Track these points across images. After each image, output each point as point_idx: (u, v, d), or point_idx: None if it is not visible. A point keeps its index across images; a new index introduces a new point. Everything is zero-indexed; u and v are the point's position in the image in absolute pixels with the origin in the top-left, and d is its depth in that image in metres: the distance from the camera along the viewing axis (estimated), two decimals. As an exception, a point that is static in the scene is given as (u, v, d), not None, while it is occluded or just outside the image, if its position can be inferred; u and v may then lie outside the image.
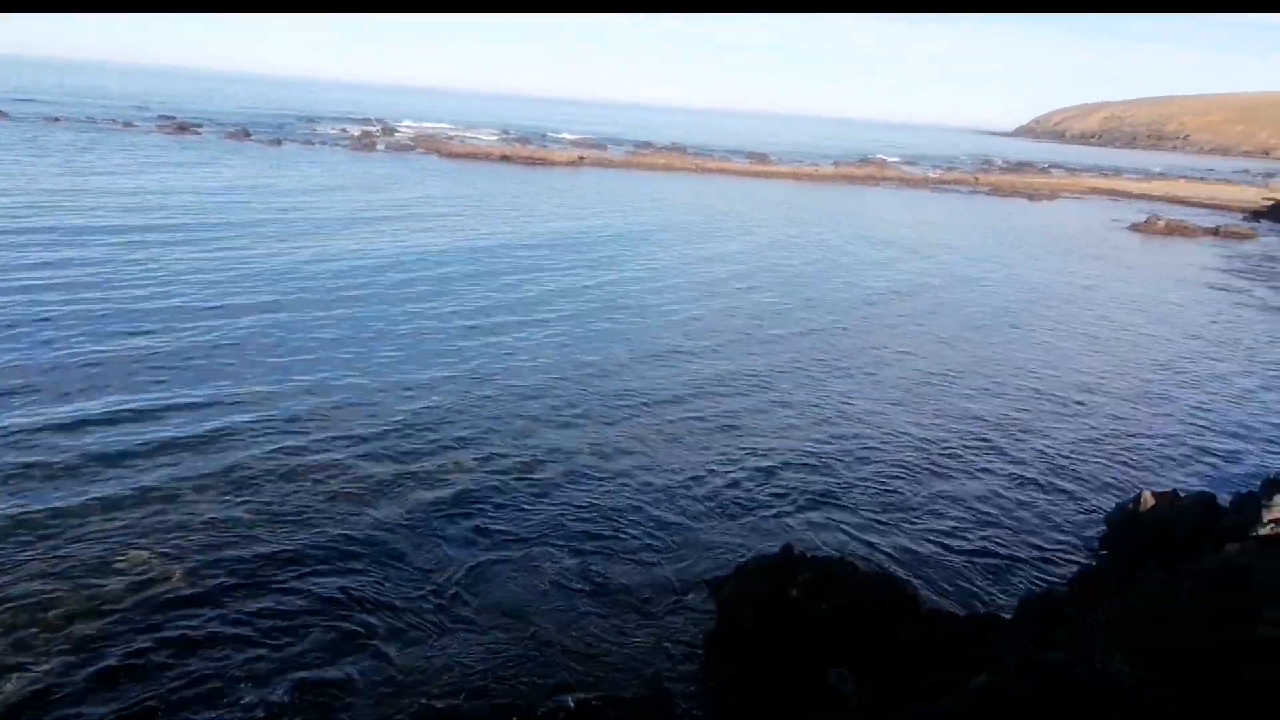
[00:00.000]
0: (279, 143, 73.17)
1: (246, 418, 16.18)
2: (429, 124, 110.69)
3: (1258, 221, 65.52)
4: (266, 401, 17.04)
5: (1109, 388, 22.63)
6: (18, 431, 14.79)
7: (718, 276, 33.34)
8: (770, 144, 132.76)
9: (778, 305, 29.30)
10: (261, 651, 9.97)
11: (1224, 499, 9.93)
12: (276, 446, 15.10)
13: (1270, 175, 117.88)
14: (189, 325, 21.29)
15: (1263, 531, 7.09)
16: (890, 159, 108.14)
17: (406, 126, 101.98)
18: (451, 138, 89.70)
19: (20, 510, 12.38)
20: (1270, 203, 71.08)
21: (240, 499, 13.26)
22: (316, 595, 11.10)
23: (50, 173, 44.06)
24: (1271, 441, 19.42)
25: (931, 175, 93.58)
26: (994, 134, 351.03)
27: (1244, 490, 9.40)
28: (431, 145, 78.92)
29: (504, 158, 75.40)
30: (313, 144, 75.27)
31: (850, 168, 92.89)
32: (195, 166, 51.22)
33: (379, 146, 77.16)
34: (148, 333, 20.49)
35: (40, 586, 10.73)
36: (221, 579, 11.22)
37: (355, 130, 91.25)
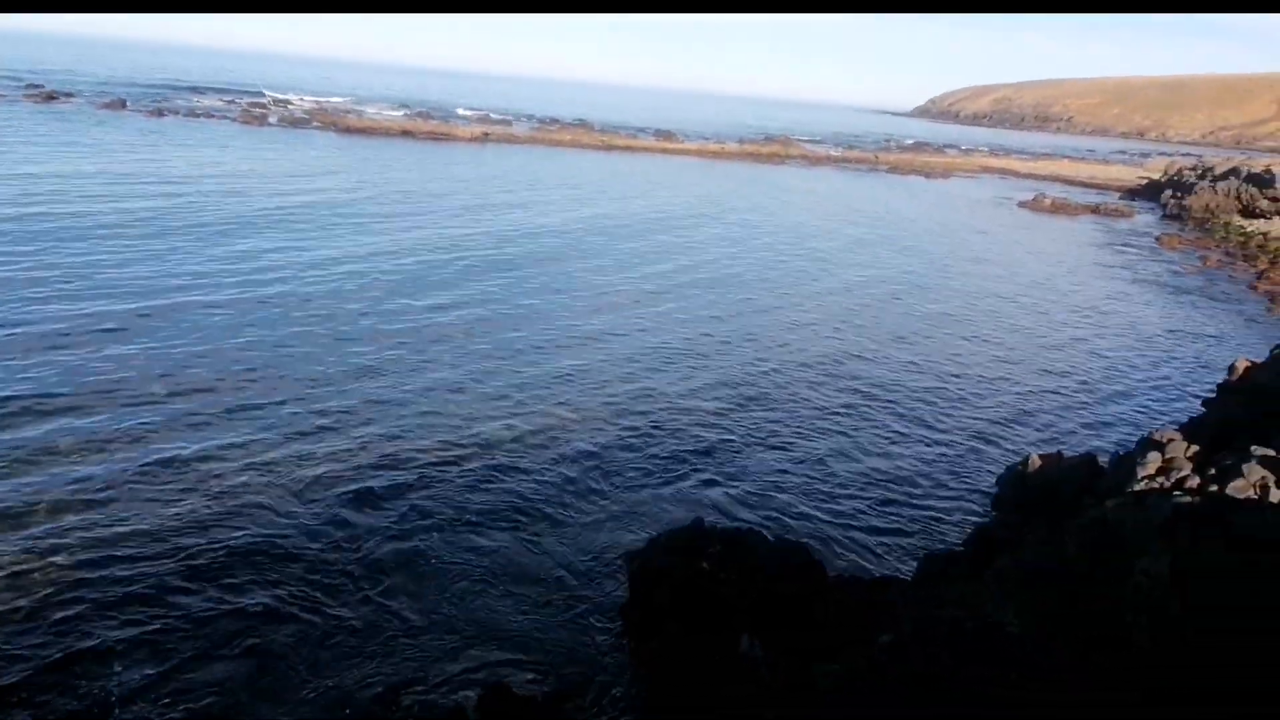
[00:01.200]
0: (160, 114, 68.93)
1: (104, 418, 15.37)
2: (323, 97, 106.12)
3: (1133, 200, 69.53)
4: (137, 400, 16.22)
5: (998, 358, 23.72)
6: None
7: (630, 259, 33.32)
8: (678, 121, 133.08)
9: (684, 286, 29.51)
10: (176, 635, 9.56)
11: (1105, 459, 10.57)
12: (153, 445, 14.41)
13: (1145, 156, 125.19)
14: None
15: (1138, 487, 7.57)
16: (795, 137, 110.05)
17: (300, 99, 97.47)
18: (349, 112, 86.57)
19: None
20: (1144, 182, 75.52)
21: (111, 505, 12.61)
22: (230, 597, 10.68)
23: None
24: (1148, 404, 20.75)
25: (834, 154, 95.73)
26: (894, 114, 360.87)
27: (1122, 450, 10.02)
28: (328, 120, 75.97)
29: (406, 133, 73.31)
30: (197, 116, 71.23)
31: (756, 146, 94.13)
32: (65, 145, 47.70)
33: (271, 120, 73.75)
34: None
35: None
36: (109, 583, 10.68)
37: (243, 102, 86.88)
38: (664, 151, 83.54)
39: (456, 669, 9.82)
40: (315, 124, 73.80)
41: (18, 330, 18.13)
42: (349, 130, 71.66)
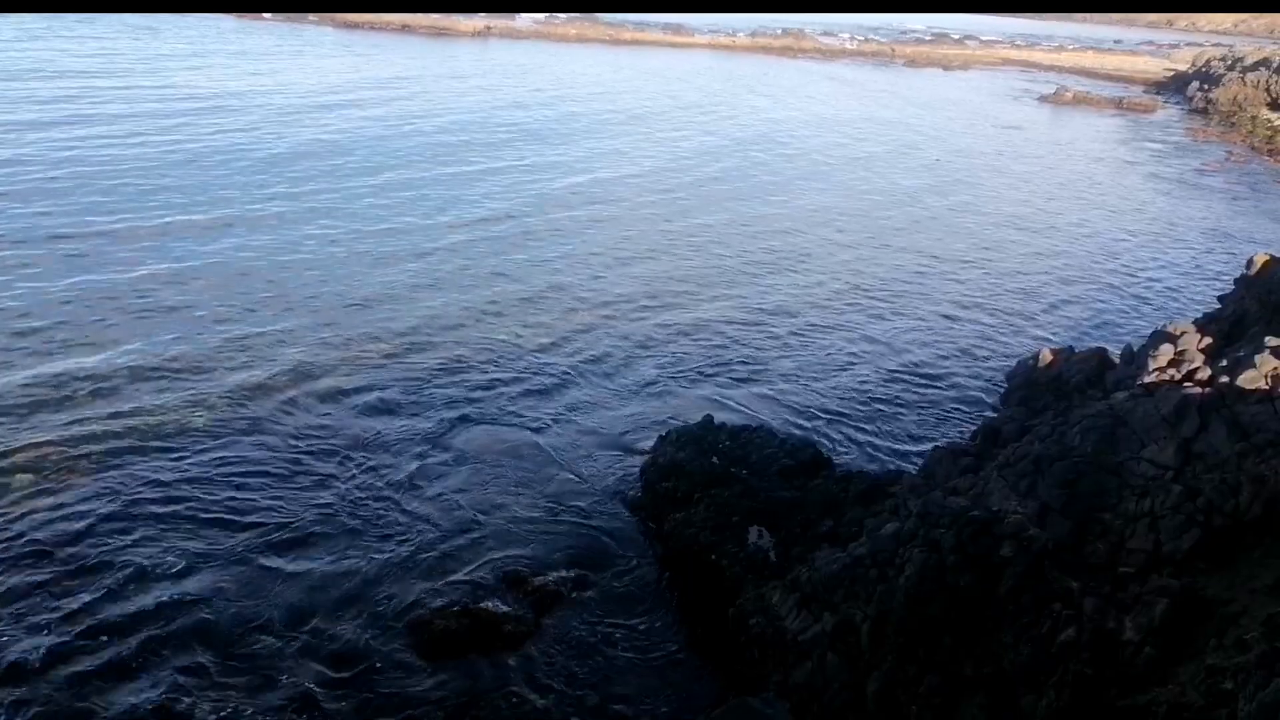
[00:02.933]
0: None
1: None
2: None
3: (1159, 93, 67.21)
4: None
5: (1015, 256, 23.43)
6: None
7: (645, 162, 32.65)
8: (684, 14, 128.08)
9: (696, 188, 28.98)
10: (221, 535, 9.90)
11: (1116, 352, 10.55)
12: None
13: (1174, 46, 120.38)
14: None
15: (1148, 379, 7.59)
16: (809, 30, 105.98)
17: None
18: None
19: None
20: (1171, 74, 72.79)
21: (129, 408, 12.82)
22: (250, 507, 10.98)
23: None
24: (1166, 299, 20.57)
25: (849, 47, 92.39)
26: None
27: (1135, 344, 10.00)
28: (324, 16, 73.43)
29: (405, 27, 70.93)
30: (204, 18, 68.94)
31: (769, 39, 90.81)
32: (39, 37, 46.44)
33: (266, 16, 71.31)
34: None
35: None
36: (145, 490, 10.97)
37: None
38: (673, 45, 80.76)
39: (479, 560, 10.16)
40: (312, 19, 71.40)
41: None
42: (347, 25, 69.39)
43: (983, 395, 15.03)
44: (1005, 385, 13.05)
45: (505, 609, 9.31)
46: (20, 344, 13.69)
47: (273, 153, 26.54)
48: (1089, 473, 6.85)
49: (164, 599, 8.99)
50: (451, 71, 48.08)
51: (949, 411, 14.51)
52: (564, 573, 10.10)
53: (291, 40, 56.54)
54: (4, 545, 9.50)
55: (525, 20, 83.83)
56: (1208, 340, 8.03)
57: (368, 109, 34.67)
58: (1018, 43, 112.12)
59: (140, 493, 10.57)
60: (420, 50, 58.22)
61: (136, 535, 9.88)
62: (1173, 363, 7.80)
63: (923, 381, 15.49)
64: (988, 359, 16.60)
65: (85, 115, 28.52)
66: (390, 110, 35.09)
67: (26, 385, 12.50)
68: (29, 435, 11.37)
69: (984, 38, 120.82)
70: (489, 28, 75.75)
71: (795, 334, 17.09)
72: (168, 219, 19.91)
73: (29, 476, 10.62)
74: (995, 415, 12.61)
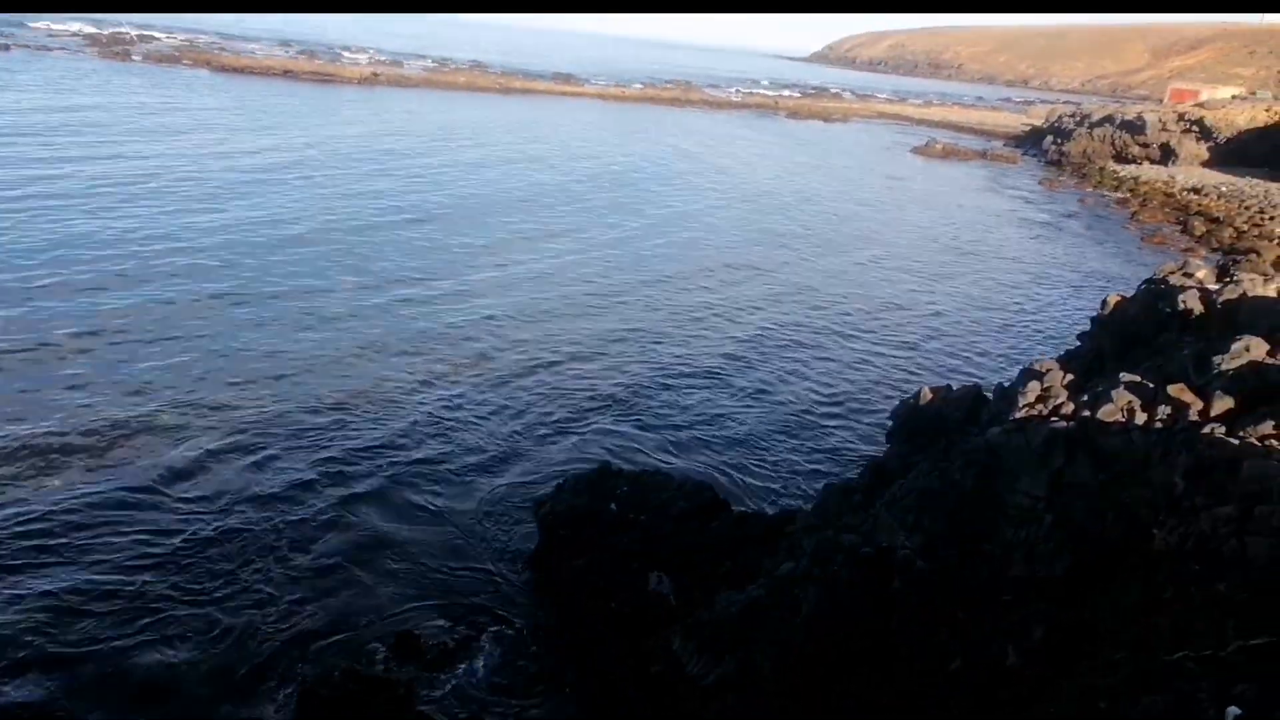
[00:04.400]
0: (6, 48, 63.09)
1: None
2: (191, 33, 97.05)
3: (1018, 146, 72.34)
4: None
5: (892, 300, 24.55)
6: None
7: (532, 205, 32.76)
8: (575, 64, 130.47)
9: (579, 233, 29.28)
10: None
11: (990, 390, 11.12)
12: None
13: (1029, 103, 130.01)
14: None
15: (1019, 415, 8.01)
16: (694, 82, 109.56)
17: (166, 36, 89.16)
18: (223, 49, 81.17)
19: None
20: (1029, 128, 78.59)
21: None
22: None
23: None
24: (1031, 338, 21.91)
25: (734, 99, 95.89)
26: (792, 59, 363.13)
27: (1006, 381, 10.58)
28: (200, 57, 71.07)
29: (288, 72, 69.40)
30: (50, 50, 65.56)
31: (657, 90, 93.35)
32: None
33: (134, 56, 68.43)
34: None
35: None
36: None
37: (103, 34, 79.75)
38: (563, 94, 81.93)
39: (367, 619, 9.73)
40: (186, 61, 69.00)
41: None
42: (224, 69, 67.31)
43: (872, 433, 15.55)
44: (890, 422, 13.57)
45: (396, 670, 8.92)
46: None
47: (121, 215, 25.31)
48: (970, 505, 7.15)
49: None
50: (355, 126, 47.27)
51: (840, 450, 14.95)
52: (460, 629, 9.79)
53: (166, 84, 54.23)
54: None
55: (415, 67, 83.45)
56: (1070, 376, 8.56)
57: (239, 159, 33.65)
58: (890, 98, 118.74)
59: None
60: (305, 98, 56.85)
61: None
62: (1040, 398, 8.25)
63: (815, 422, 15.93)
64: (874, 398, 17.24)
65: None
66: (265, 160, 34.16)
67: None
68: None
69: (859, 92, 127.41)
70: (376, 75, 75.01)
71: (688, 381, 17.32)
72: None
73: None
74: (882, 453, 13.07)
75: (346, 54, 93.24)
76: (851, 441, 15.33)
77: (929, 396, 10.75)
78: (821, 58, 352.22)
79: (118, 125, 37.01)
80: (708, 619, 8.65)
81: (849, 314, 22.62)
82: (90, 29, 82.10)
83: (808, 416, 16.11)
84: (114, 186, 26.42)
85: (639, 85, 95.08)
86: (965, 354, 20.37)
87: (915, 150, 63.92)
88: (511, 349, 17.77)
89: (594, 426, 14.90)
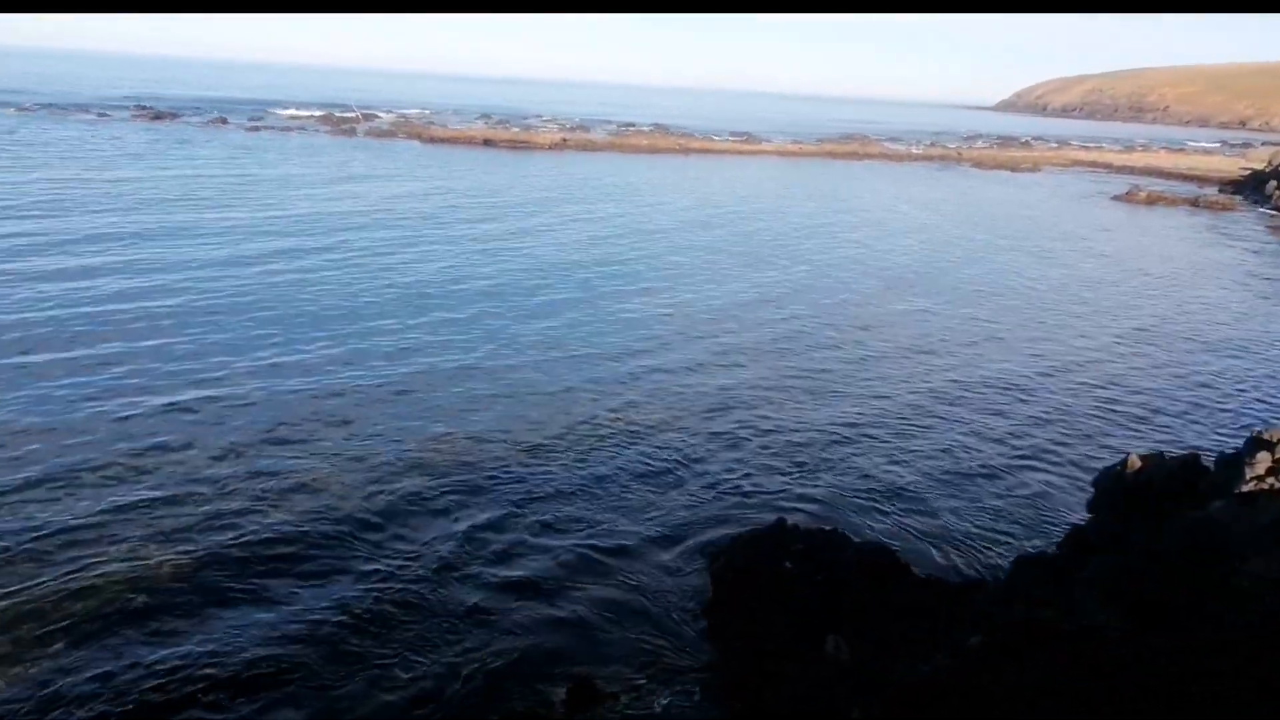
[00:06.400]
0: (257, 129, 72.38)
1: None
2: (404, 109, 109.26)
3: (1235, 192, 65.98)
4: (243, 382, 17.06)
5: (1097, 358, 22.87)
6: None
7: (724, 259, 33.36)
8: (753, 121, 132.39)
9: (771, 287, 29.38)
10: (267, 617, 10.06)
11: (1209, 459, 10.12)
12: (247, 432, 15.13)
13: (1247, 145, 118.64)
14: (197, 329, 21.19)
15: (1245, 488, 7.26)
16: (873, 136, 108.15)
17: (384, 113, 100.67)
18: (433, 123, 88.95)
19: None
20: (1248, 173, 71.51)
21: (204, 491, 13.30)
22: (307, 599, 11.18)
23: (57, 167, 43.21)
24: (1257, 405, 19.72)
25: (915, 151, 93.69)
26: (977, 109, 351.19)
27: (1229, 450, 9.59)
28: (412, 131, 78.27)
29: (487, 142, 74.90)
30: (290, 130, 74.44)
31: (834, 144, 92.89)
32: (192, 158, 50.47)
33: (359, 132, 76.46)
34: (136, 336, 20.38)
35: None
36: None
37: (336, 115, 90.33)
38: (741, 152, 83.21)
39: (543, 663, 10.03)
40: (401, 135, 76.11)
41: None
42: (433, 140, 73.64)
43: (1067, 500, 14.48)
44: (1092, 491, 12.59)
45: (573, 717, 9.13)
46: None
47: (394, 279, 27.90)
48: (1187, 587, 6.53)
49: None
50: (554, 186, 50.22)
51: (1032, 517, 14.01)
52: (634, 678, 9.89)
53: (387, 155, 59.95)
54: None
55: (600, 132, 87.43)
56: (1308, 447, 7.69)
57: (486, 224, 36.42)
58: (1086, 144, 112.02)
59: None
60: (504, 164, 61.00)
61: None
62: (1272, 470, 7.46)
63: (1001, 488, 15.04)
64: (1071, 462, 16.06)
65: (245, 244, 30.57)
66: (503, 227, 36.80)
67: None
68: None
69: (1051, 139, 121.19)
70: (564, 140, 79.34)
71: (869, 436, 16.86)
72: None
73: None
74: (1082, 523, 12.13)
75: (537, 121, 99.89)
76: (1043, 509, 14.33)
77: (1138, 464, 9.94)
78: (1009, 106, 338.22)
79: (379, 189, 41.30)
80: (890, 691, 8.30)
81: (1043, 372, 21.28)
82: (322, 112, 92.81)
83: (994, 480, 15.23)
84: (393, 243, 29.39)
85: (814, 142, 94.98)
86: (1177, 420, 18.61)
87: (1116, 198, 59.79)
88: (690, 396, 18.01)
89: (770, 478, 14.77)
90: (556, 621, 10.74)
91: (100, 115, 74.00)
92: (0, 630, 9.70)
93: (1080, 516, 13.53)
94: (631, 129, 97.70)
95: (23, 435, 14.24)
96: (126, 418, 15.25)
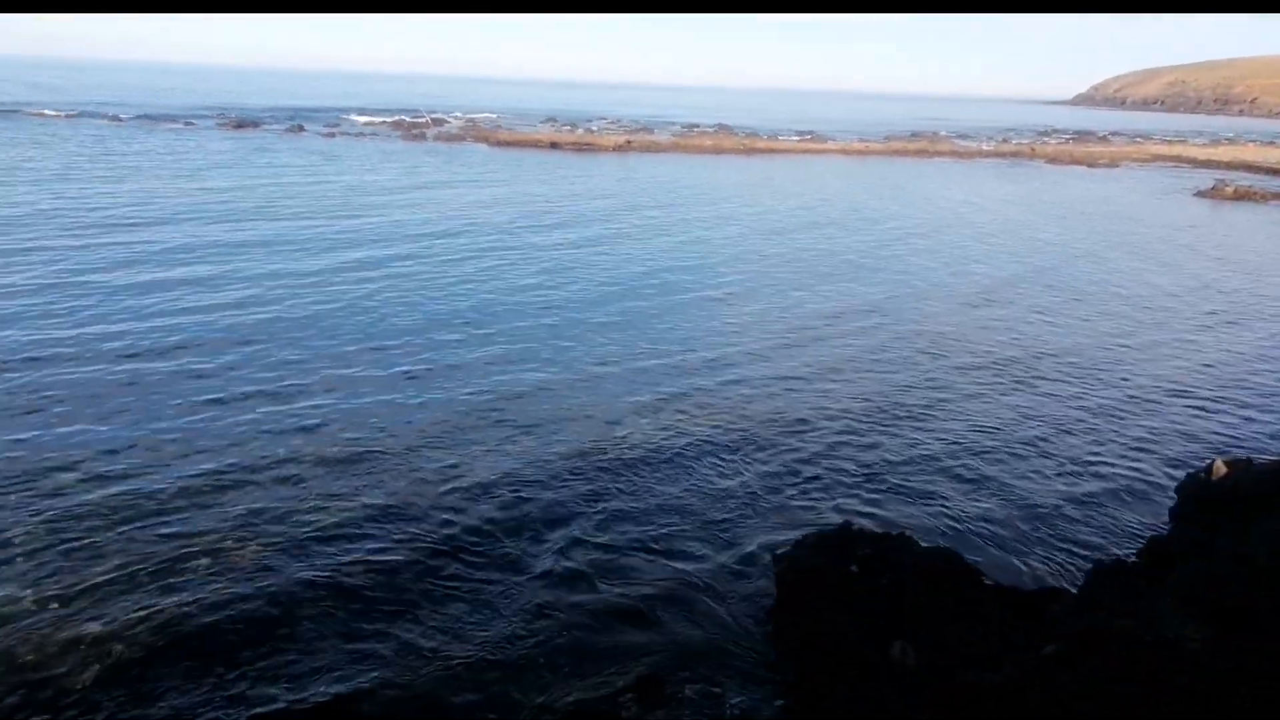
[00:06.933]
0: (333, 135, 74.63)
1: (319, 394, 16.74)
2: (472, 114, 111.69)
3: (1334, 185, 62.63)
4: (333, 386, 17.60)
5: (1180, 363, 22.03)
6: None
7: (799, 264, 33.19)
8: (816, 121, 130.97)
9: (837, 288, 29.08)
10: (361, 605, 10.41)
11: (1299, 467, 9.73)
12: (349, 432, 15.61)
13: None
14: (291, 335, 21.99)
15: (1340, 496, 6.95)
16: (942, 133, 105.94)
17: (453, 117, 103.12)
18: (500, 126, 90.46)
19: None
20: (1347, 165, 67.87)
21: (302, 477, 13.77)
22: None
23: (162, 175, 45.37)
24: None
25: (986, 148, 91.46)
26: (1051, 103, 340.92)
27: (1320, 458, 9.18)
28: (480, 134, 79.70)
29: (553, 144, 75.76)
30: (364, 136, 76.54)
31: (903, 142, 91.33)
32: (288, 164, 52.39)
33: (429, 137, 78.19)
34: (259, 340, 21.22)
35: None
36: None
37: (406, 120, 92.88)
38: (807, 151, 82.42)
39: (610, 659, 10.14)
40: (469, 139, 77.56)
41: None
42: (500, 144, 74.83)
43: (1145, 507, 14.01)
44: (1174, 498, 12.15)
45: (643, 715, 9.22)
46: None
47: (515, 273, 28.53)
48: (1273, 592, 6.29)
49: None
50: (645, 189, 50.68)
51: (1108, 523, 13.59)
52: (700, 678, 9.94)
53: (457, 158, 61.15)
54: (184, 622, 10.23)
55: (663, 133, 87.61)
56: None
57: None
58: (1168, 138, 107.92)
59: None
60: (571, 165, 61.66)
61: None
62: (1370, 478, 7.12)
63: (1077, 490, 14.62)
64: (1149, 470, 15.52)
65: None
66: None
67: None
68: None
69: (1131, 133, 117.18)
70: (629, 142, 79.77)
71: (937, 437, 16.57)
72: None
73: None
74: (1163, 531, 11.73)
75: (601, 123, 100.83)
76: (1122, 514, 13.88)
77: (1223, 470, 9.58)
78: (1086, 100, 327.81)
79: (452, 195, 42.30)
80: (958, 698, 8.17)
81: (1120, 375, 20.59)
82: (393, 118, 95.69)
83: (1071, 484, 14.81)
84: (475, 243, 30.12)
85: (881, 140, 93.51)
86: (1264, 427, 17.82)
87: (1200, 194, 57.44)
88: (763, 401, 17.97)
89: (834, 479, 14.64)
90: (623, 619, 10.84)
91: (187, 124, 77.30)
92: (135, 643, 10.03)
93: (1162, 524, 13.09)
94: (695, 130, 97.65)
95: (140, 448, 14.81)
96: (240, 427, 15.90)
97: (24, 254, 26.49)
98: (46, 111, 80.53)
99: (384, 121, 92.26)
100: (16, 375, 17.20)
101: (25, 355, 18.30)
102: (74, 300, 22.23)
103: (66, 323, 20.50)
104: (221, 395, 16.86)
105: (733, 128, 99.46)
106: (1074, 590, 10.72)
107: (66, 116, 77.78)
